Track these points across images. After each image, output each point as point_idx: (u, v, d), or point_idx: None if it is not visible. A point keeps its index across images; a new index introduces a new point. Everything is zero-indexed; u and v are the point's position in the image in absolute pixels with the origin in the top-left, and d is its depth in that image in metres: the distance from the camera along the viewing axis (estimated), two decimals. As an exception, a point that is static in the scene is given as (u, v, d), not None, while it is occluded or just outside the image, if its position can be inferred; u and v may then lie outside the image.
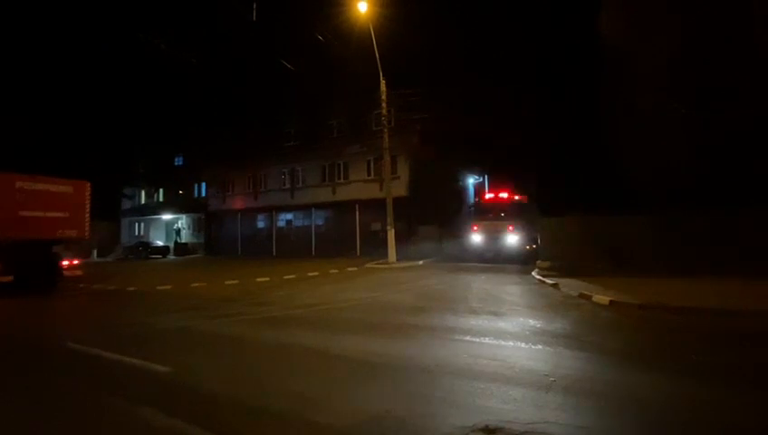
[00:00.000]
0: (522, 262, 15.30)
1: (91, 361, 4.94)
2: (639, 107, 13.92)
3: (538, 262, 13.52)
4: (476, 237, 16.90)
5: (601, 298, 7.66)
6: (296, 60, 17.82)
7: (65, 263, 11.52)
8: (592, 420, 3.10)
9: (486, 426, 2.94)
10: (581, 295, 8.23)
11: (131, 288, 11.80)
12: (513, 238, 16.32)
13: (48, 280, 11.19)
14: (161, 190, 34.10)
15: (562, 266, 12.02)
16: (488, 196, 18.28)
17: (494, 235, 16.56)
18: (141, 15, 25.11)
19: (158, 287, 11.56)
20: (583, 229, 12.82)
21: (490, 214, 16.95)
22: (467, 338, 5.44)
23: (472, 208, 18.52)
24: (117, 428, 3.18)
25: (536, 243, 15.59)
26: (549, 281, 10.15)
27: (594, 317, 6.62)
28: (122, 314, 8.14)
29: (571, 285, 9.23)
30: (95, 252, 30.55)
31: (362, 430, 2.97)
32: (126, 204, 35.34)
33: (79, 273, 11.85)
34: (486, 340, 5.34)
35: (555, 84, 21.19)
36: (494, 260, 16.09)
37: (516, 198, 17.60)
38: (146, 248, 28.52)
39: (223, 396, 3.71)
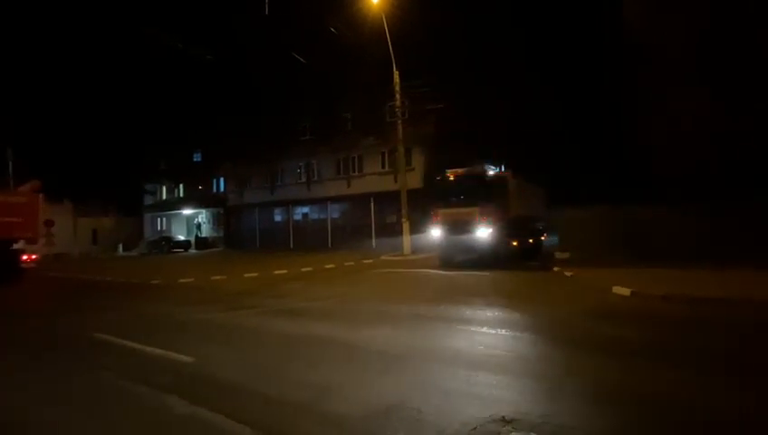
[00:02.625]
0: (501, 264, 11.65)
1: (118, 350, 5.14)
2: (663, 92, 13.40)
3: (556, 253, 13.28)
4: (439, 232, 12.20)
5: (622, 289, 7.48)
6: (309, 53, 17.83)
7: (24, 257, 14.15)
8: (609, 416, 3.05)
9: (503, 417, 2.94)
10: (601, 286, 8.05)
11: (155, 281, 12.18)
12: (483, 231, 11.60)
13: (10, 271, 13.39)
14: (181, 186, 34.93)
15: (582, 257, 11.78)
16: (453, 171, 12.94)
17: (458, 227, 11.87)
18: (158, 14, 25.50)
19: (180, 280, 11.90)
20: (603, 219, 12.52)
21: (454, 197, 12.24)
22: (483, 329, 5.41)
23: (433, 189, 13.18)
24: (142, 415, 3.31)
25: (538, 235, 14.17)
26: (567, 272, 9.97)
27: (614, 309, 6.46)
28: (146, 306, 8.42)
29: (590, 276, 9.05)
30: (120, 247, 31.66)
31: (379, 420, 3.00)
32: (148, 200, 36.36)
33: (33, 266, 14.64)
34: (502, 331, 5.31)
35: (575, 72, 20.56)
36: (462, 266, 11.91)
37: (491, 171, 13.05)
38: (168, 243, 29.37)
39: (243, 385, 3.81)
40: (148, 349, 5.00)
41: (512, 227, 12.49)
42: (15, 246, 13.81)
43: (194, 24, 24.38)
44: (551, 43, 20.82)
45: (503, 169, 15.98)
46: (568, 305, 6.74)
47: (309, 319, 6.58)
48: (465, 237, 11.83)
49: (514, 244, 12.68)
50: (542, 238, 15.24)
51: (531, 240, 13.59)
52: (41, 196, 15.46)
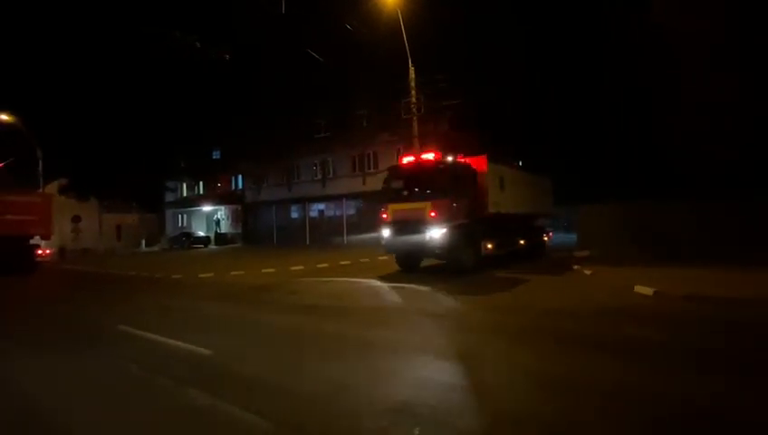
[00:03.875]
0: (463, 269, 9.74)
1: (140, 342, 5.32)
2: (685, 85, 12.92)
3: (575, 251, 13.02)
4: (386, 232, 10.15)
5: (644, 289, 7.28)
6: (324, 50, 17.89)
7: (39, 252, 16.22)
8: (635, 423, 2.99)
9: (511, 416, 2.92)
10: (622, 286, 7.86)
11: (176, 276, 12.53)
12: (436, 232, 9.41)
13: (26, 264, 15.20)
14: (201, 183, 35.74)
15: (601, 255, 11.52)
16: (406, 160, 10.75)
17: (407, 226, 9.79)
18: (175, 15, 26.01)
19: (201, 275, 12.20)
20: (624, 216, 12.21)
21: (406, 190, 10.23)
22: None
23: (386, 181, 10.80)
24: (164, 406, 3.41)
25: (535, 235, 13.05)
26: (587, 271, 9.77)
27: (637, 309, 6.27)
28: (168, 300, 8.67)
29: (610, 275, 8.85)
30: (143, 242, 32.64)
31: (393, 416, 3.03)
32: (169, 197, 37.35)
33: (47, 259, 17.15)
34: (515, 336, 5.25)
35: (594, 64, 19.97)
36: (412, 279, 9.43)
37: (449, 159, 10.30)
38: (188, 239, 30.13)
39: (259, 378, 3.90)
40: (170, 341, 5.15)
41: (489, 226, 10.60)
42: (31, 242, 15.60)
43: (211, 23, 24.77)
44: (568, 35, 20.28)
45: (486, 157, 12.12)
46: (588, 305, 6.59)
47: (324, 315, 6.65)
48: (414, 239, 9.63)
49: (489, 247, 10.52)
50: (545, 238, 14.26)
51: (523, 241, 12.15)
52: (53, 196, 17.76)
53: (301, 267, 12.98)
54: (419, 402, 3.17)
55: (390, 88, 19.62)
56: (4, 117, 24.02)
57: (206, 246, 30.08)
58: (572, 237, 14.95)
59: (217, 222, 33.87)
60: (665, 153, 14.06)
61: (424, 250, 9.96)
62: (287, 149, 26.48)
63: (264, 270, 12.67)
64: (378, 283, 9.28)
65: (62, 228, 27.71)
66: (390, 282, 9.28)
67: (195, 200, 35.40)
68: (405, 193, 10.25)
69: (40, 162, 26.18)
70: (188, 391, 3.64)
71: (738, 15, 11.84)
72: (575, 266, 10.73)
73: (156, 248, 31.12)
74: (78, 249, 26.50)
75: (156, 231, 35.10)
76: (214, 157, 34.08)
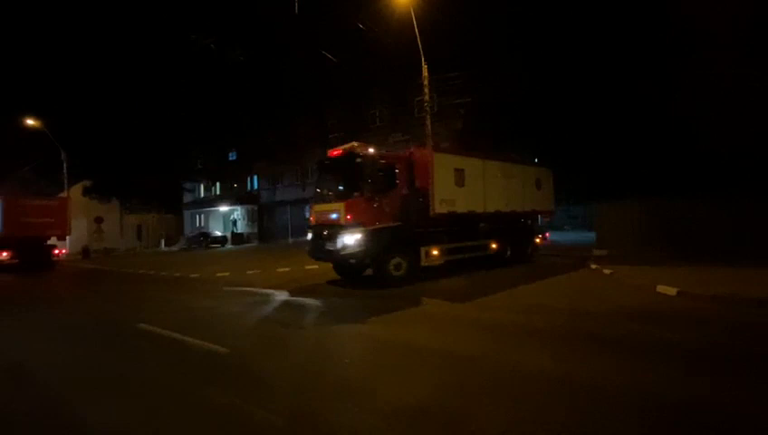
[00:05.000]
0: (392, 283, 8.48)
1: (160, 340, 5.43)
2: (712, 73, 12.38)
3: (594, 250, 12.71)
4: (309, 237, 9.50)
5: (667, 288, 7.05)
6: (337, 50, 17.94)
7: (56, 251, 17.28)
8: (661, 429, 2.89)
9: (525, 418, 2.85)
10: (643, 285, 7.64)
11: (194, 275, 12.77)
12: (350, 237, 8.23)
13: (44, 263, 16.60)
14: (218, 184, 36.41)
15: (621, 254, 11.22)
16: (334, 153, 9.38)
17: (324, 230, 8.81)
18: (190, 17, 26.47)
19: (218, 274, 12.41)
20: (645, 214, 11.86)
21: (327, 188, 9.51)
22: (509, 332, 5.28)
23: (315, 177, 9.48)
24: (183, 403, 3.47)
25: (516, 237, 11.49)
26: (606, 270, 9.54)
27: (660, 310, 6.07)
28: (186, 298, 8.83)
29: (631, 274, 8.61)
30: (163, 242, 33.43)
31: (410, 416, 3.00)
32: (187, 197, 38.15)
33: (63, 258, 18.33)
34: (528, 338, 5.15)
35: (610, 54, 19.34)
36: (346, 293, 8.34)
37: (371, 151, 8.77)
38: (206, 238, 30.72)
39: (274, 377, 3.94)
40: (188, 339, 5.24)
41: (436, 228, 9.37)
42: (48, 242, 16.89)
43: (224, 25, 25.13)
44: (586, 25, 19.67)
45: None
46: (608, 305, 6.41)
47: (339, 313, 6.67)
48: (329, 246, 8.52)
49: (435, 253, 9.22)
50: (537, 240, 12.71)
51: (497, 244, 10.69)
52: (69, 200, 19.04)
53: (315, 266, 13.06)
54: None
55: (403, 87, 19.56)
56: (31, 122, 24.92)
57: (222, 245, 30.60)
58: (589, 236, 14.54)
59: (234, 222, 34.43)
60: (688, 148, 13.54)
61: (339, 259, 8.63)
62: (301, 149, 26.70)
63: (279, 269, 12.81)
64: (282, 295, 8.27)
65: (85, 229, 28.68)
66: (312, 293, 8.32)
67: (212, 201, 36.07)
68: (327, 192, 9.31)
69: (64, 165, 27.09)
70: (205, 388, 3.70)
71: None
72: (593, 265, 10.49)
73: (175, 248, 31.81)
74: (100, 249, 27.31)
75: (174, 231, 35.91)
76: (230, 158, 34.66)
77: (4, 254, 15.81)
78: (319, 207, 9.20)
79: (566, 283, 8.74)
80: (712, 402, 3.08)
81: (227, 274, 12.50)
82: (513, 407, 3.08)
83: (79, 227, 28.14)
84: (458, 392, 3.38)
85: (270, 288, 9.21)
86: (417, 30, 15.56)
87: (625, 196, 12.91)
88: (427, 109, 16.87)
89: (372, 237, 8.28)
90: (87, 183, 30.63)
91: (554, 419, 2.87)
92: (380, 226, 8.45)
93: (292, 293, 8.54)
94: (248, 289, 9.34)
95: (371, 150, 8.82)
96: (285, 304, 7.67)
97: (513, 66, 19.24)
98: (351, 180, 8.75)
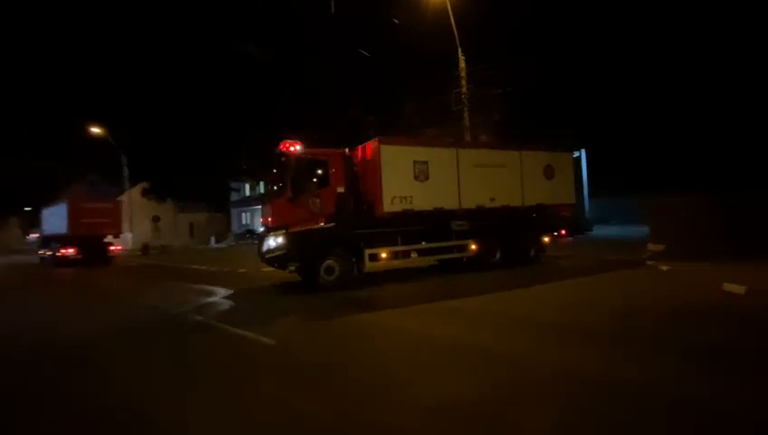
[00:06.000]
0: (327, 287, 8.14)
1: (213, 331, 5.83)
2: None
3: (649, 244, 11.89)
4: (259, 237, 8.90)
5: (735, 286, 6.47)
6: (371, 46, 17.99)
7: (111, 248, 19.28)
8: None
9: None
10: (706, 283, 7.08)
11: (242, 270, 13.47)
12: (273, 240, 8.25)
13: (103, 258, 18.61)
14: (262, 183, 37.98)
15: (679, 250, 10.42)
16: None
17: (265, 233, 8.94)
18: (226, 21, 27.62)
19: (264, 269, 12.98)
20: (706, 207, 10.91)
21: (269, 187, 9.57)
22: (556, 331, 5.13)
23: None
24: (232, 392, 3.70)
25: (508, 236, 10.02)
26: (663, 266, 8.92)
27: (728, 310, 5.55)
28: (236, 292, 9.31)
29: (691, 271, 8.02)
30: (213, 239, 35.49)
31: (450, 411, 3.04)
32: (234, 196, 40.18)
33: (118, 254, 20.40)
34: (577, 337, 4.98)
35: (667, 36, 17.92)
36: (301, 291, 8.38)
37: (297, 147, 8.45)
38: (252, 235, 32.22)
39: (318, 369, 4.12)
40: (239, 331, 5.58)
41: (387, 228, 8.71)
42: (105, 240, 19.07)
43: (262, 27, 25.97)
44: (633, 8, 18.34)
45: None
46: (668, 305, 5.98)
47: (381, 308, 6.77)
48: (261, 247, 8.55)
49: (383, 256, 8.63)
50: (544, 239, 10.87)
51: (476, 245, 9.63)
52: (122, 202, 21.75)
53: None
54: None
55: (439, 80, 19.27)
56: (96, 129, 27.34)
57: (267, 241, 31.88)
58: (640, 230, 13.55)
59: (277, 219, 35.74)
60: (753, 139, 12.26)
61: (266, 262, 8.44)
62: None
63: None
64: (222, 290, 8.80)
65: (143, 227, 31.11)
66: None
67: (257, 199, 37.71)
68: (270, 191, 8.91)
69: (125, 168, 29.47)
70: (254, 378, 3.94)
71: None
72: (648, 262, 9.86)
73: (223, 244, 33.65)
74: (158, 246, 29.47)
75: (223, 228, 37.99)
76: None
77: (71, 250, 17.88)
78: (263, 208, 8.83)
79: (614, 280, 8.30)
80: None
81: (272, 269, 13.03)
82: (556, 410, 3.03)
83: (139, 226, 30.64)
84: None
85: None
86: (453, 20, 15.28)
87: (682, 187, 11.96)
88: (465, 101, 16.54)
89: (294, 240, 7.99)
90: (145, 185, 33.10)
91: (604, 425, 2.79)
92: (304, 228, 8.06)
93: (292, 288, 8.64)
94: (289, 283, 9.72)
95: (297, 148, 8.41)
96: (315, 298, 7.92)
97: (554, 51, 18.35)
98: (277, 180, 8.59)
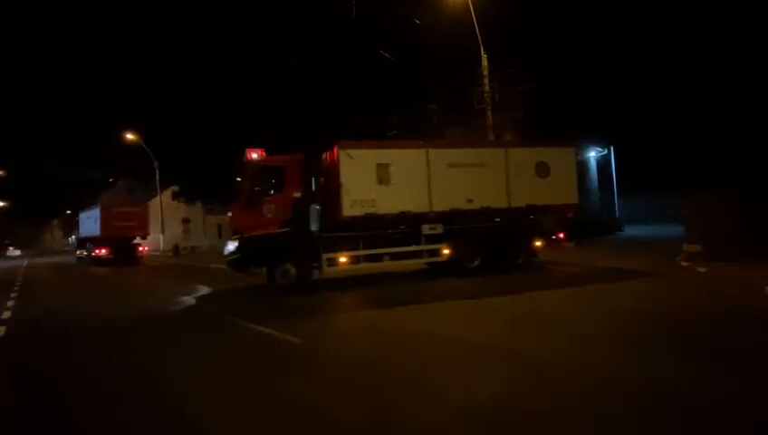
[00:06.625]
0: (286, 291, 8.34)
1: (242, 330, 6.00)
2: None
3: (686, 245, 11.32)
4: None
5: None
6: (392, 46, 17.98)
7: (140, 248, 20.74)
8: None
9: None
10: (747, 285, 6.70)
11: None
12: (231, 245, 8.83)
13: (132, 258, 19.84)
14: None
15: (718, 251, 9.87)
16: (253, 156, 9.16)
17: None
18: (249, 22, 28.16)
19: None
20: (747, 205, 10.29)
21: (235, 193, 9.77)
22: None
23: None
24: (261, 390, 3.75)
25: (487, 240, 9.34)
26: (700, 268, 8.48)
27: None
28: (263, 292, 9.49)
29: (731, 273, 7.62)
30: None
31: (478, 412, 3.00)
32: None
33: (145, 254, 21.57)
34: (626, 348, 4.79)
35: (702, 23, 16.97)
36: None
37: (254, 154, 8.85)
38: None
39: (344, 368, 4.15)
40: (266, 330, 5.70)
41: (348, 232, 8.67)
42: (134, 242, 20.53)
43: (284, 30, 26.38)
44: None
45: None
46: (702, 308, 5.71)
47: (413, 313, 6.71)
48: (225, 253, 9.02)
49: (342, 260, 8.62)
50: (536, 244, 9.90)
51: (450, 250, 9.13)
52: (149, 206, 23.32)
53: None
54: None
55: (461, 79, 19.09)
56: (130, 136, 28.65)
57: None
58: (671, 229, 12.84)
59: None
60: None
61: (228, 265, 8.88)
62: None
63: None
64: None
65: (174, 229, 32.31)
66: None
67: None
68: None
69: (157, 172, 30.70)
70: (281, 376, 4.00)
71: None
72: (684, 263, 9.41)
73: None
74: (188, 247, 30.54)
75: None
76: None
77: (103, 251, 19.56)
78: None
79: (641, 286, 7.95)
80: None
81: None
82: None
83: (170, 227, 31.84)
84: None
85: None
86: (474, 18, 15.09)
87: (721, 185, 11.32)
88: (487, 99, 16.29)
89: (247, 245, 8.28)
90: (175, 188, 34.35)
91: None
92: (258, 233, 8.28)
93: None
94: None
95: (254, 155, 8.68)
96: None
97: (581, 47, 17.81)
98: (235, 186, 8.98)
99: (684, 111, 16.96)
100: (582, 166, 21.87)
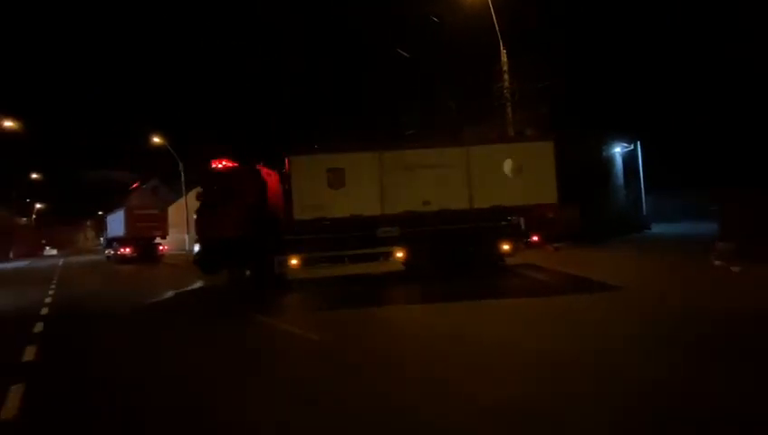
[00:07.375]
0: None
1: (266, 327, 6.16)
2: None
3: (719, 243, 10.83)
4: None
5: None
6: (410, 44, 17.95)
7: (161, 248, 22.37)
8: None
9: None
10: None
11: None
12: (196, 248, 9.98)
13: (153, 257, 21.36)
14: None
15: (753, 249, 9.40)
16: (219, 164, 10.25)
17: None
18: (267, 26, 28.69)
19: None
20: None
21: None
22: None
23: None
24: (280, 385, 3.81)
25: (447, 243, 8.94)
26: (734, 268, 8.10)
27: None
28: (287, 292, 9.61)
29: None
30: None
31: (505, 411, 2.98)
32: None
33: (165, 254, 22.81)
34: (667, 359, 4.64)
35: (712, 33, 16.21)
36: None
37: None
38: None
39: (361, 366, 4.18)
40: (289, 328, 5.82)
41: (301, 236, 8.97)
42: (155, 242, 22.19)
43: (309, 32, 26.70)
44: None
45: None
46: (737, 309, 5.46)
47: (435, 313, 6.75)
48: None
49: (294, 262, 8.99)
50: (504, 247, 9.17)
51: (404, 253, 9.09)
52: (167, 208, 25.21)
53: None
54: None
55: (481, 75, 18.86)
56: (157, 139, 29.67)
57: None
58: (701, 227, 12.28)
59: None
60: None
61: (196, 265, 9.90)
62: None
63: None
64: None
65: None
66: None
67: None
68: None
69: (182, 174, 31.66)
70: (299, 371, 4.06)
71: None
72: (716, 262, 9.01)
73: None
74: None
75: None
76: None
77: (128, 250, 21.36)
78: None
79: (674, 281, 7.66)
80: None
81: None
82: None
83: (189, 229, 32.79)
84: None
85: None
86: (493, 12, 14.85)
87: (751, 182, 10.78)
88: (507, 96, 16.03)
89: (204, 249, 9.35)
90: (199, 189, 35.31)
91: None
92: (215, 236, 9.19)
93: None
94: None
95: (219, 165, 9.71)
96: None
97: (608, 39, 17.29)
98: (199, 195, 9.82)
99: (714, 107, 16.25)
100: (607, 162, 21.32)
